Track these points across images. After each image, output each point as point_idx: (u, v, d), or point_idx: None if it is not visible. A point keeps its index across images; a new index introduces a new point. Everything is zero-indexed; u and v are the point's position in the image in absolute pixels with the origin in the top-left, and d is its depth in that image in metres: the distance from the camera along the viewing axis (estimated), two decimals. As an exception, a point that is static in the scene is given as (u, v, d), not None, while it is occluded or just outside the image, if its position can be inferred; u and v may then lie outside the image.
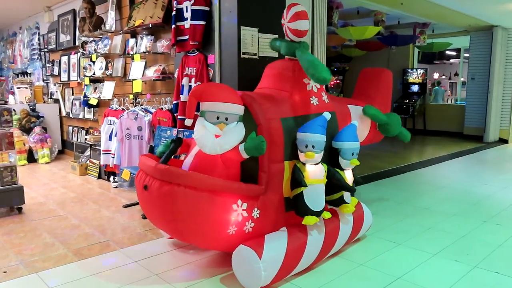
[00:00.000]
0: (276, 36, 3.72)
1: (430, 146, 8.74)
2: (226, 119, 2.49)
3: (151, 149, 4.19)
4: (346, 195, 2.87)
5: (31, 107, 7.11)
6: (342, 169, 2.87)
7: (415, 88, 10.73)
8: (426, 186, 5.11)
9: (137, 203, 4.12)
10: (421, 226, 3.57)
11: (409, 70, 10.79)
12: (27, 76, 8.54)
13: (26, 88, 7.72)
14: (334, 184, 2.79)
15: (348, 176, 2.90)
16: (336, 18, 7.06)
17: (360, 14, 7.94)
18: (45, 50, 7.66)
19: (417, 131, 10.61)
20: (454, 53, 16.65)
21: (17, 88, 7.69)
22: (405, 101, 10.52)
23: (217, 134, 2.46)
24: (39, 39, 8.08)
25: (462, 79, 13.39)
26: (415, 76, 10.73)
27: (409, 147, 8.52)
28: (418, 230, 3.46)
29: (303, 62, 2.70)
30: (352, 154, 2.86)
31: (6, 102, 3.96)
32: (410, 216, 3.84)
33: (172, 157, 2.72)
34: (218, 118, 2.48)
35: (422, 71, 10.68)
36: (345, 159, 2.84)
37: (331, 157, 2.89)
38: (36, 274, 2.63)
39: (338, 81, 11.50)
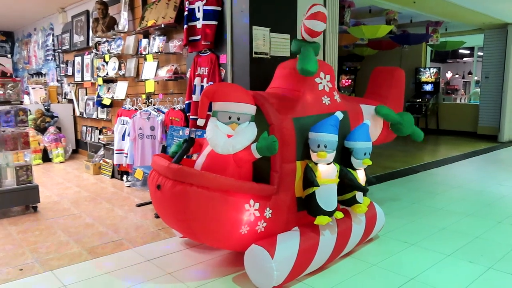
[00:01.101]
0: (288, 35, 3.72)
1: (444, 145, 8.63)
2: (238, 119, 2.50)
3: (164, 149, 4.22)
4: (359, 195, 2.86)
5: (46, 107, 7.22)
6: (355, 169, 2.86)
7: (428, 87, 10.61)
8: (439, 186, 5.05)
9: (150, 202, 4.16)
10: (435, 226, 3.53)
11: (422, 69, 10.67)
12: (41, 77, 8.68)
13: (40, 88, 7.85)
14: (346, 184, 2.78)
15: (361, 176, 2.89)
16: (348, 17, 7.02)
17: (372, 13, 7.88)
18: (59, 50, 7.78)
19: (430, 131, 10.48)
20: (467, 52, 16.41)
21: (32, 88, 7.83)
22: (417, 100, 10.40)
23: (229, 134, 2.47)
24: (53, 40, 8.21)
25: (476, 78, 13.18)
26: (427, 75, 10.60)
27: (422, 146, 8.43)
28: (431, 231, 3.42)
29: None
30: (365, 154, 2.84)
31: (21, 102, 4.03)
32: (423, 217, 3.80)
33: (185, 157, 2.74)
34: (230, 118, 2.49)
35: (435, 70, 10.55)
36: (358, 159, 2.83)
37: (344, 157, 2.87)
38: (51, 272, 2.68)
39: (350, 80, 11.41)
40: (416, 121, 10.35)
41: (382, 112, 3.36)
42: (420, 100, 10.38)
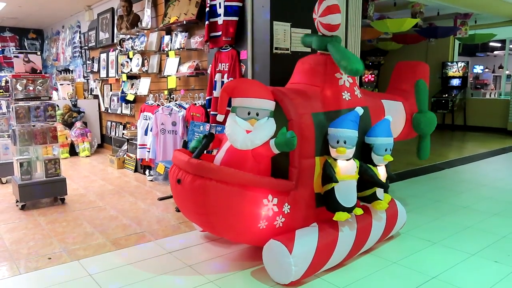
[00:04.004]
0: (309, 30, 3.70)
1: (471, 142, 8.38)
2: (257, 114, 2.51)
3: (185, 144, 4.28)
4: (379, 191, 2.82)
5: (73, 103, 7.45)
6: (375, 165, 2.82)
7: (455, 82, 10.30)
8: (465, 184, 4.91)
9: (171, 196, 4.24)
10: (459, 225, 3.44)
11: (449, 63, 10.36)
12: (69, 73, 8.94)
13: (68, 84, 8.10)
14: (366, 180, 2.75)
15: (381, 172, 2.85)
16: (372, 10, 6.89)
17: (397, 6, 7.71)
18: (86, 47, 7.99)
19: (457, 127, 10.19)
20: (498, 45, 15.79)
21: (60, 84, 8.09)
22: (444, 95, 10.12)
23: (248, 130, 2.48)
24: (80, 37, 8.43)
25: (507, 72, 12.70)
26: (455, 69, 10.28)
27: (447, 143, 8.21)
28: (455, 229, 3.34)
29: (334, 55, 2.67)
30: (386, 150, 2.80)
31: (50, 98, 4.17)
32: (447, 215, 3.72)
33: (205, 152, 2.78)
34: (249, 113, 2.50)
35: (463, 64, 10.22)
36: (378, 155, 2.79)
37: (364, 153, 2.84)
38: (77, 261, 2.78)
39: (372, 75, 11.22)
40: (442, 116, 10.10)
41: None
42: (446, 95, 10.10)
